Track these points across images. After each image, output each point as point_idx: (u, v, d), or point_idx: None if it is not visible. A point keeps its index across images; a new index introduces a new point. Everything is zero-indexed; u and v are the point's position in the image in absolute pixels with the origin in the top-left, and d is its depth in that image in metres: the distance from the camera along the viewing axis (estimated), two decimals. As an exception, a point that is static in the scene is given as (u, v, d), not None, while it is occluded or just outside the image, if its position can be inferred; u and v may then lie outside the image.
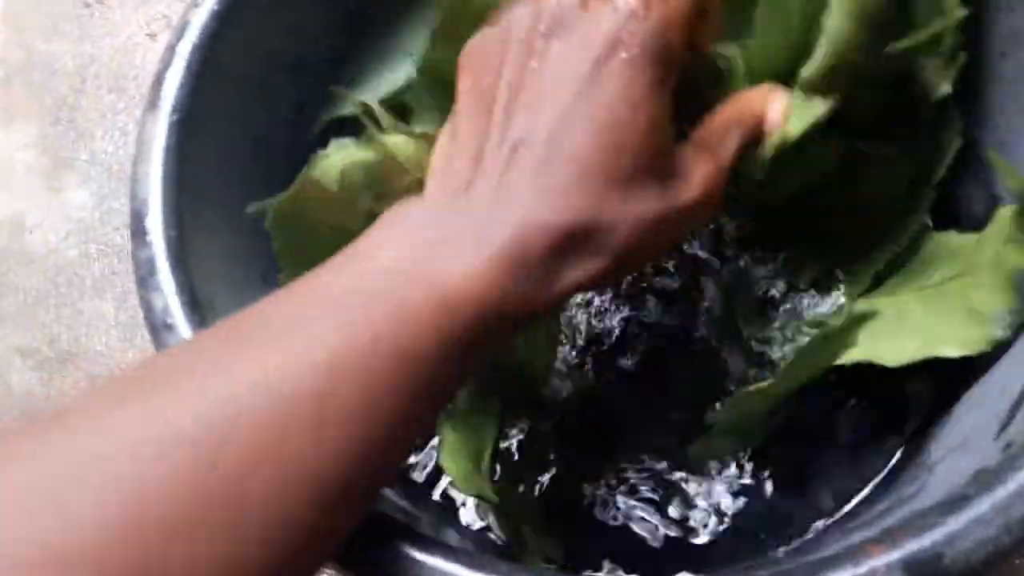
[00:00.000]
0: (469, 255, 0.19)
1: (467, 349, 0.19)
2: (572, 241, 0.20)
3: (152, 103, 0.26)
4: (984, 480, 0.19)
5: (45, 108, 0.53)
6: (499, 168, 0.20)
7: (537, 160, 0.20)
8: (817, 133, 0.24)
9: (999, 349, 0.27)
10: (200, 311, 0.23)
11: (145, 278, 0.23)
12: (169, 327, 0.23)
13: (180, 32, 0.27)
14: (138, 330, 0.48)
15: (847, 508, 0.31)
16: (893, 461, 0.31)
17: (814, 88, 0.24)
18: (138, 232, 0.24)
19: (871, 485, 0.31)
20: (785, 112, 0.23)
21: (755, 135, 0.24)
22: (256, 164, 0.29)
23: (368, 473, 0.17)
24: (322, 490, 0.16)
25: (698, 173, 0.22)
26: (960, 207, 0.32)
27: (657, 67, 0.21)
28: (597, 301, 0.34)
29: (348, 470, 0.17)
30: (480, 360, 0.20)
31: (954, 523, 0.19)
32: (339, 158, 0.26)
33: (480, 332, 0.19)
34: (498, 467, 0.30)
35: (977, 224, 0.29)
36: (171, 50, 0.26)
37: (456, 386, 0.20)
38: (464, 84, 0.22)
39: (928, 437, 0.31)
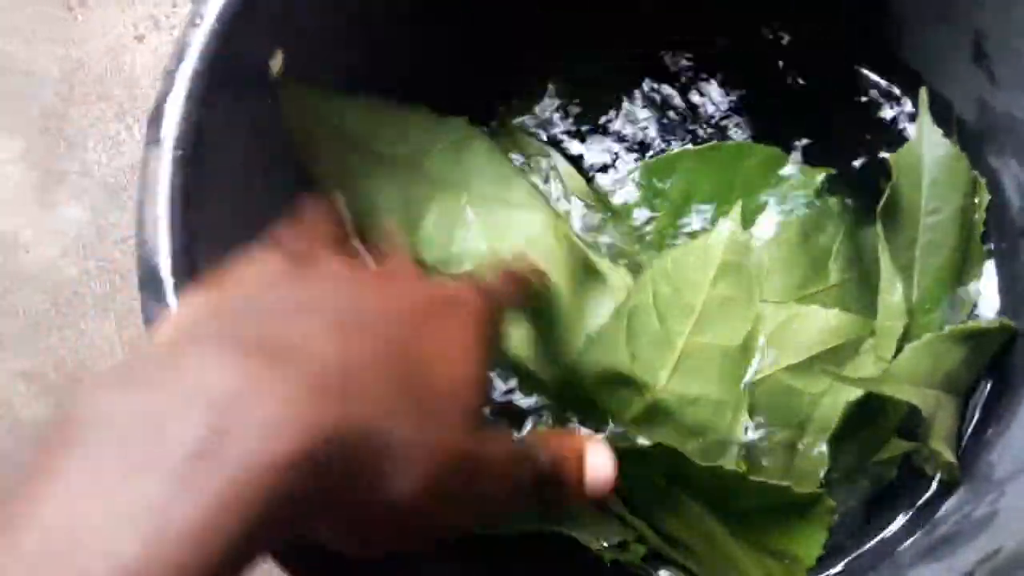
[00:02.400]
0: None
1: None
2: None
3: (153, 137, 0.24)
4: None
5: (31, 118, 0.50)
6: None
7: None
8: None
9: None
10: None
11: (156, 329, 0.22)
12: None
13: (179, 55, 0.25)
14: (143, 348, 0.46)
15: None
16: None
17: None
18: (148, 279, 0.22)
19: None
20: (603, 465, 0.23)
21: (565, 468, 0.22)
22: (271, 192, 0.27)
23: None
24: None
25: (501, 442, 0.21)
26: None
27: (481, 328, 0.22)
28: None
29: None
30: None
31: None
32: None
33: None
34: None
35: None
36: (170, 76, 0.24)
37: None
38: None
39: (984, 444, 0.30)
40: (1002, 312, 0.32)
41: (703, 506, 0.29)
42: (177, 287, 0.22)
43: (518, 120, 0.36)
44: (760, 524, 0.29)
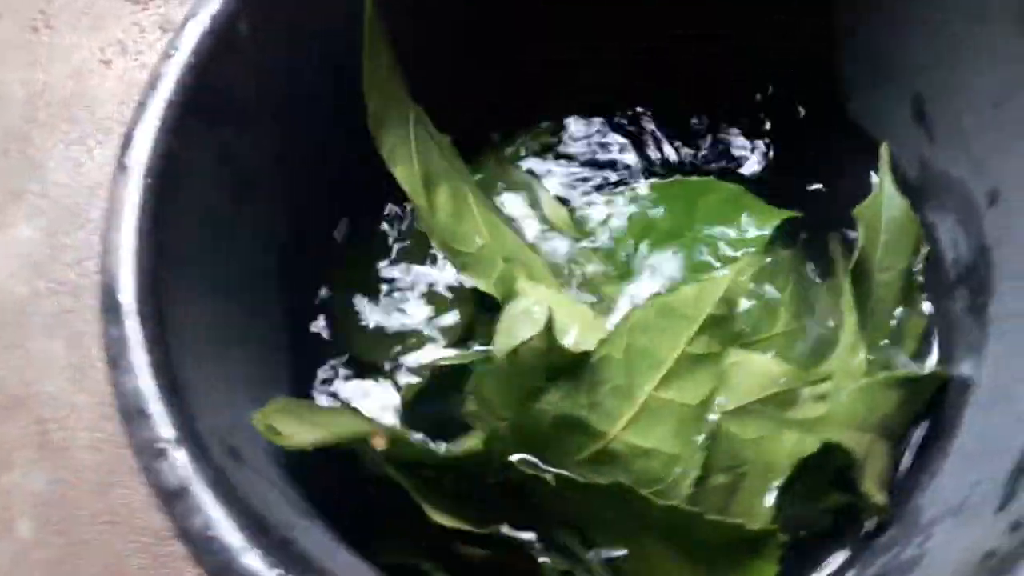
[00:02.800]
0: None
1: None
2: None
3: (122, 164, 0.24)
4: (993, 568, 0.19)
5: (-7, 139, 0.50)
6: None
7: None
8: None
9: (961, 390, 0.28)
10: (178, 394, 0.22)
11: (116, 360, 0.22)
12: (141, 413, 0.21)
13: (152, 85, 0.25)
14: (91, 371, 0.46)
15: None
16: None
17: None
18: (109, 308, 0.22)
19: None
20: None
21: None
22: (241, 219, 0.27)
23: None
24: None
25: None
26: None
27: None
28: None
29: None
30: None
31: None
32: None
33: None
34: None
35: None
36: (142, 106, 0.25)
37: None
38: None
39: (915, 487, 0.31)
40: (938, 360, 0.34)
41: (656, 540, 0.29)
42: (139, 314, 0.22)
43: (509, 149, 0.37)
44: (711, 559, 0.29)
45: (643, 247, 0.35)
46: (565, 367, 0.29)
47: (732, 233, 0.35)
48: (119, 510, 0.42)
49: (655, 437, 0.30)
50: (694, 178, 0.37)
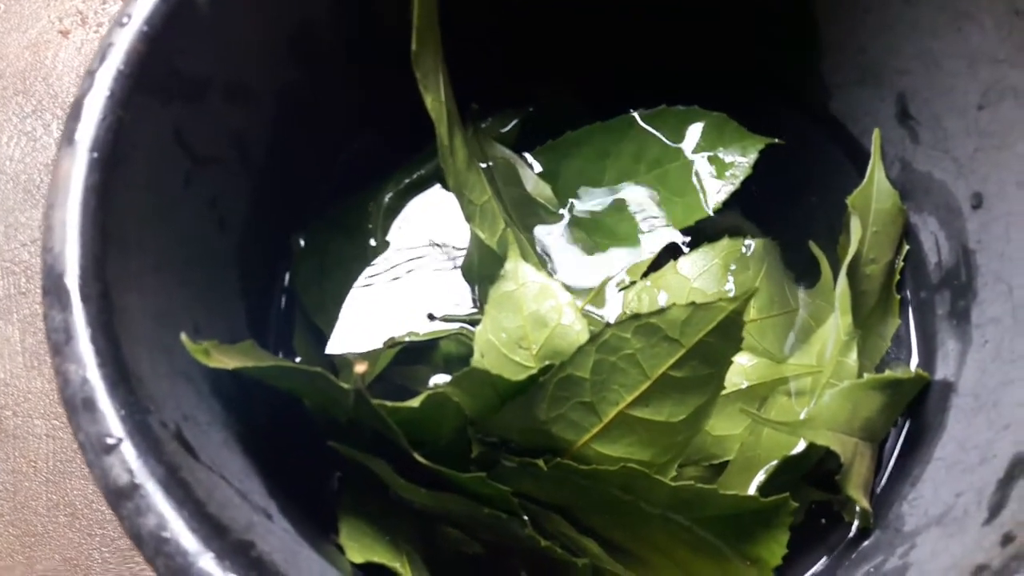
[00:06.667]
0: None
1: None
2: None
3: (68, 136, 0.22)
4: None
5: (-58, 110, 0.48)
6: None
7: None
8: None
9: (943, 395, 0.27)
10: (127, 384, 0.20)
11: (60, 346, 0.20)
12: (88, 405, 0.20)
13: (102, 55, 0.23)
14: (47, 356, 0.44)
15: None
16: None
17: None
18: (52, 290, 0.21)
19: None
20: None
21: None
22: (194, 200, 0.26)
23: None
24: None
25: None
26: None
27: None
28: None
29: None
30: None
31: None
32: None
33: None
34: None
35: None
36: (91, 76, 0.23)
37: None
38: None
39: (896, 494, 0.30)
40: (919, 363, 0.33)
41: (661, 515, 0.28)
42: (84, 297, 0.21)
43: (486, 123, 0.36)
44: (722, 534, 0.28)
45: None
46: (513, 391, 0.28)
47: (721, 156, 0.35)
48: (76, 501, 0.40)
49: (626, 449, 0.28)
50: (679, 107, 0.36)
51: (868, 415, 0.29)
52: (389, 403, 0.26)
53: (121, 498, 0.19)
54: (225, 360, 0.23)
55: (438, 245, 0.37)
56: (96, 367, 0.20)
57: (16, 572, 0.40)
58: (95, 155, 0.22)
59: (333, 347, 0.34)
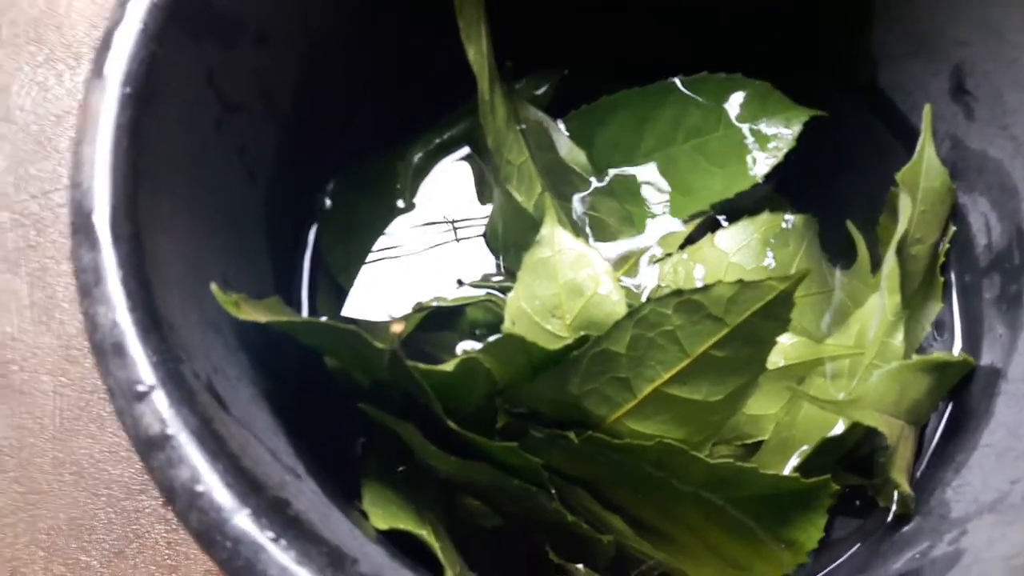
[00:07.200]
0: None
1: None
2: None
3: (98, 70, 0.21)
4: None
5: (-48, 56, 0.46)
6: None
7: None
8: None
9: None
10: (159, 330, 0.19)
11: (89, 287, 0.19)
12: (118, 350, 0.19)
13: (135, -16, 0.22)
14: (55, 311, 0.43)
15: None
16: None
17: None
18: (81, 229, 0.19)
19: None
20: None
21: None
22: (219, 147, 0.25)
23: None
24: None
25: None
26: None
27: None
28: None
29: None
30: None
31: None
32: None
33: None
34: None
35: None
36: (122, 7, 0.22)
37: None
38: None
39: (938, 481, 0.29)
40: (962, 348, 0.32)
41: (694, 494, 0.27)
42: (115, 236, 0.19)
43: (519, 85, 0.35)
44: (757, 515, 0.27)
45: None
46: (547, 360, 0.27)
47: (763, 128, 0.34)
48: (82, 460, 0.39)
49: (660, 426, 0.27)
50: (722, 74, 0.35)
51: (916, 397, 0.28)
52: (423, 365, 0.25)
53: (152, 448, 0.18)
54: (255, 314, 0.22)
55: (463, 212, 0.36)
56: (127, 311, 0.19)
57: (19, 529, 0.39)
58: (127, 90, 0.21)
59: (351, 309, 0.33)
